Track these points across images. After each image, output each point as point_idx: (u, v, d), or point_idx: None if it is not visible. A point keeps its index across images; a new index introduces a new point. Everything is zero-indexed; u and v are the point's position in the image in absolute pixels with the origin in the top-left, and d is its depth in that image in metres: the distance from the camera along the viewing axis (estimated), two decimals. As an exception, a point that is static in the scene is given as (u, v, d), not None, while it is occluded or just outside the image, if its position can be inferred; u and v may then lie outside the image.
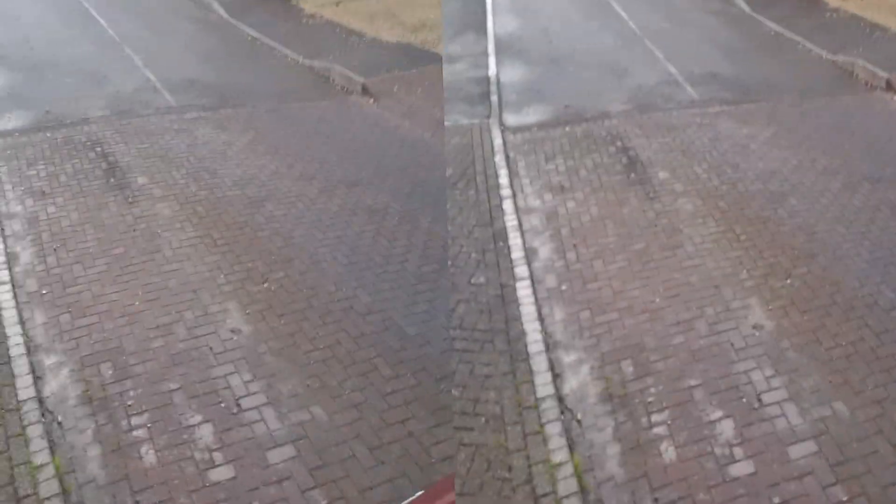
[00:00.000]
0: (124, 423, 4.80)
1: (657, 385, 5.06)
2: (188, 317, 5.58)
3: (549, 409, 4.97)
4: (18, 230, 6.47)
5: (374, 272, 6.07)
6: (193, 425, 4.78)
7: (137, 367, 5.17)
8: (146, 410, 4.87)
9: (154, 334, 5.42)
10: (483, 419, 4.91)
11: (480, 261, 6.17)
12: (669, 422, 4.83)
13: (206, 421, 4.81)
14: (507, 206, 6.80)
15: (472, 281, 5.95)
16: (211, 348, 5.32)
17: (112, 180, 7.27)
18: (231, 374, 5.12)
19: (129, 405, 4.90)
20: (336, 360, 5.25)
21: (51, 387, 5.04)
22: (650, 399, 4.97)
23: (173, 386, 5.03)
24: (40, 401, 4.95)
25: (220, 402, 4.93)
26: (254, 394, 4.99)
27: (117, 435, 4.73)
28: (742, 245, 6.25)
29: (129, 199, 6.96)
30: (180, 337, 5.42)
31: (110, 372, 5.13)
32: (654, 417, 4.86)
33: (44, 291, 5.81)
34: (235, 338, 5.41)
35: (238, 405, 4.91)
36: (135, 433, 4.73)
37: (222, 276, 6.00)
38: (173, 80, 9.86)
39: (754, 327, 5.44)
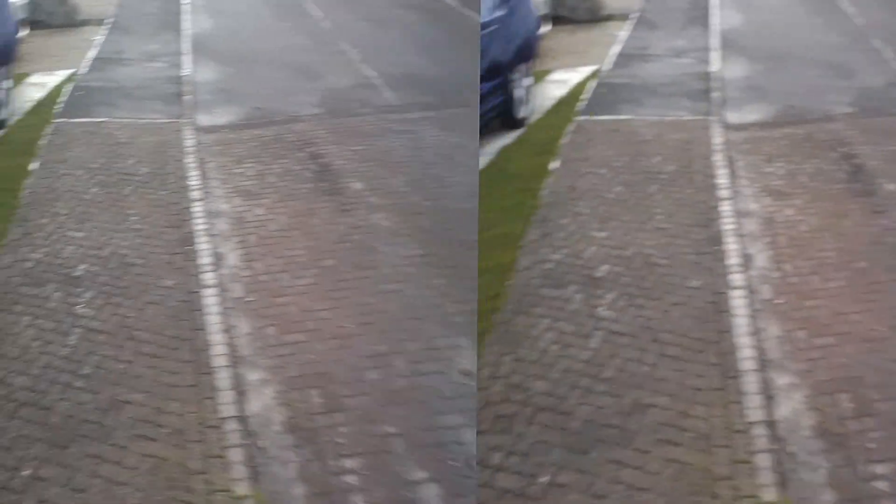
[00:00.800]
0: (333, 463, 4.28)
1: (876, 429, 4.41)
2: (410, 349, 5.05)
3: (759, 436, 4.42)
4: (225, 230, 6.19)
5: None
6: (415, 482, 4.21)
7: (349, 400, 4.67)
8: (359, 453, 4.34)
9: (368, 364, 4.92)
10: (691, 435, 4.42)
11: (697, 263, 5.72)
12: (894, 478, 4.18)
13: (433, 480, 4.23)
14: (725, 207, 6.34)
15: (688, 284, 5.52)
16: (438, 391, 4.76)
17: (323, 184, 6.90)
18: (463, 426, 4.53)
19: (340, 443, 4.38)
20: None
21: (254, 406, 4.62)
22: (870, 444, 4.33)
23: (391, 429, 4.49)
24: (244, 420, 4.54)
25: (450, 459, 4.35)
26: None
27: (325, 476, 4.22)
28: None
29: (342, 207, 6.54)
30: (400, 372, 4.89)
31: (320, 401, 4.65)
32: (877, 468, 4.22)
33: (249, 299, 5.47)
34: (469, 382, 4.84)
35: (472, 466, 4.32)
36: (345, 478, 4.21)
37: (450, 303, 5.47)
38: (393, 75, 9.40)
39: None
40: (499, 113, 7.94)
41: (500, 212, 6.67)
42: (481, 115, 7.79)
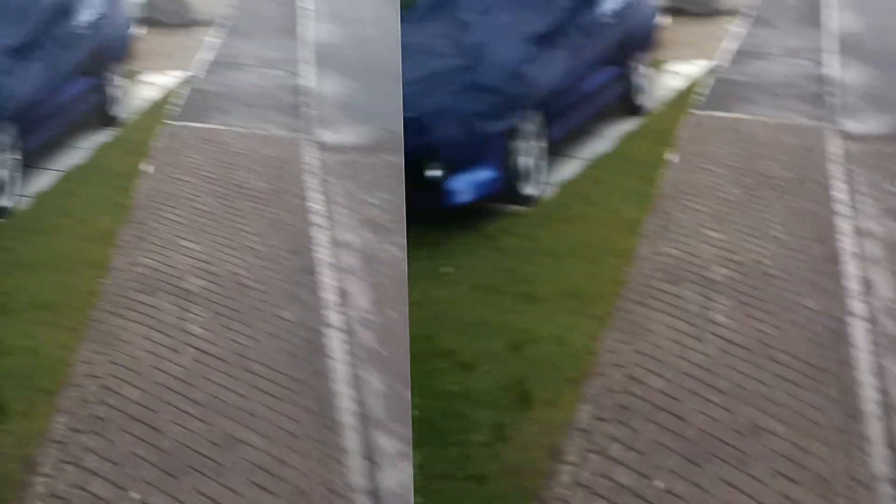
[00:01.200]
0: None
1: None
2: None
3: (884, 496, 4.29)
4: (353, 265, 5.93)
5: None
6: None
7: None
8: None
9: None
10: (809, 475, 4.33)
11: (814, 282, 5.58)
12: None
13: None
14: (843, 225, 6.11)
15: (803, 303, 5.41)
16: None
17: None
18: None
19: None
20: None
21: (388, 481, 4.50)
22: None
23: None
24: (375, 496, 4.43)
25: None
26: None
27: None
28: None
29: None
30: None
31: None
32: None
33: (382, 352, 5.22)
34: None
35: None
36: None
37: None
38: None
39: None
40: (620, 99, 8.03)
41: (620, 196, 6.75)
42: (603, 103, 7.87)
